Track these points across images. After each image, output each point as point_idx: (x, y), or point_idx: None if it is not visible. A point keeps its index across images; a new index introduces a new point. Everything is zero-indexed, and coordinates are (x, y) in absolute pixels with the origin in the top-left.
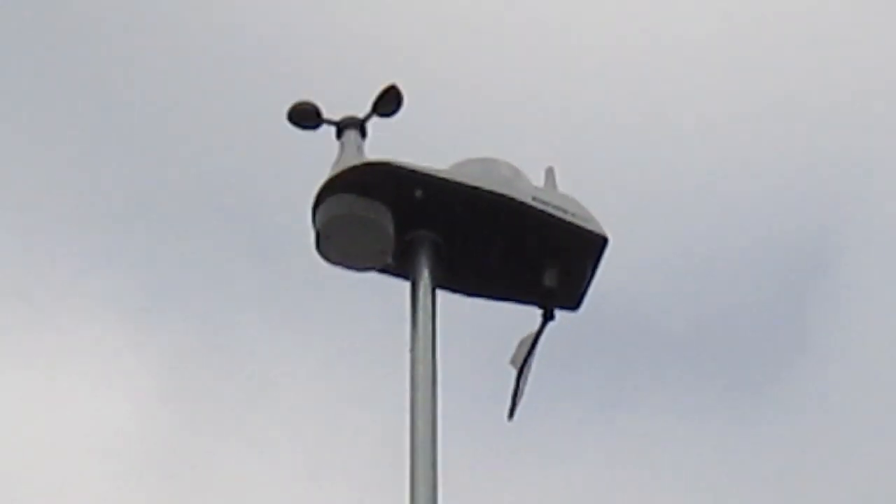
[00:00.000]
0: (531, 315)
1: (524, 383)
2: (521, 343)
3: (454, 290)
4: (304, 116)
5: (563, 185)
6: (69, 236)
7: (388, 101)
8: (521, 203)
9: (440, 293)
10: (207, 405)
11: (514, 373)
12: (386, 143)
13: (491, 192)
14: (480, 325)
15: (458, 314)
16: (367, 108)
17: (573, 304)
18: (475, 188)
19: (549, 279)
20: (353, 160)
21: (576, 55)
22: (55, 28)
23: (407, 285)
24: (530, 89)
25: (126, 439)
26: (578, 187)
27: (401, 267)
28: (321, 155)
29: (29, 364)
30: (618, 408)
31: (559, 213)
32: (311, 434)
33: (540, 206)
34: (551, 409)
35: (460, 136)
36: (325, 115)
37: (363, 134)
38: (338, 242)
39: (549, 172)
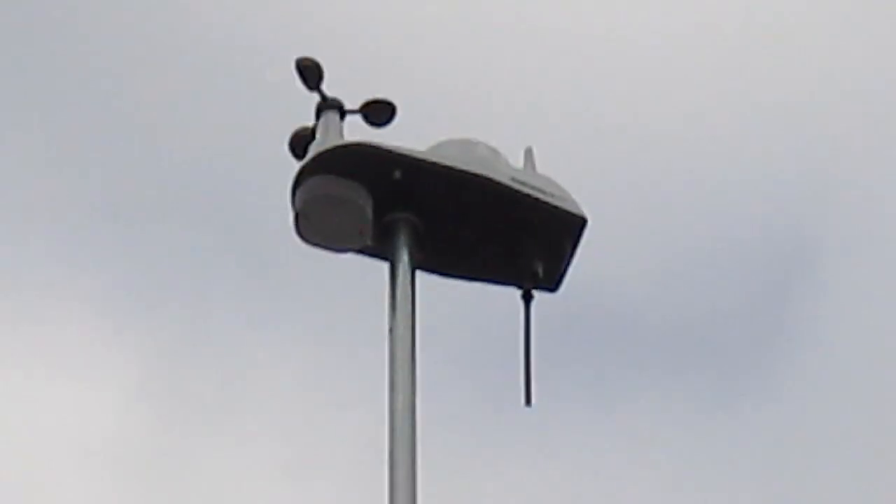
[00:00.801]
0: (510, 296)
1: (531, 368)
2: None
3: (433, 271)
4: (311, 74)
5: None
6: (45, 233)
7: (380, 112)
8: (500, 184)
9: (419, 274)
10: (187, 401)
11: (497, 352)
12: (363, 125)
13: (470, 173)
14: (460, 307)
15: (438, 295)
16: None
17: (552, 285)
18: (454, 169)
19: (528, 260)
20: (331, 141)
21: (561, 42)
22: (40, 25)
23: (386, 266)
24: (510, 71)
25: (105, 436)
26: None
27: (380, 248)
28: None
29: (5, 361)
30: (599, 398)
31: (538, 194)
32: (291, 429)
33: (519, 187)
34: (538, 398)
35: (439, 119)
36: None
37: (342, 117)
38: (316, 223)
39: (528, 153)
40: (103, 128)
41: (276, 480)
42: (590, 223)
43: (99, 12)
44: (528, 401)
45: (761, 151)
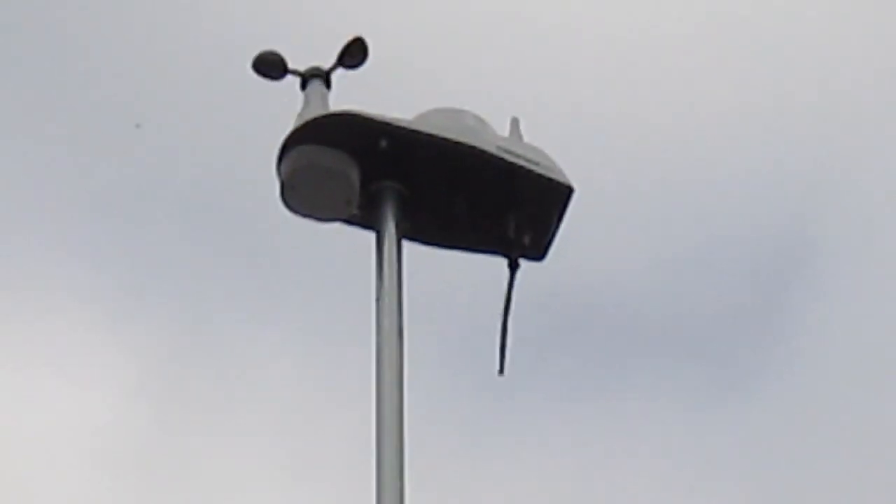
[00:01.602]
0: (498, 265)
1: (507, 336)
2: None
3: (420, 241)
4: (270, 66)
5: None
6: (41, 230)
7: (354, 54)
8: (487, 153)
9: (406, 244)
10: (185, 399)
11: (485, 322)
12: (351, 94)
13: (456, 143)
14: (447, 276)
15: (425, 265)
16: (332, 60)
17: (539, 254)
18: (440, 138)
19: (515, 229)
20: (317, 111)
21: (559, 36)
22: (39, 26)
23: (372, 236)
24: (502, 53)
25: (104, 436)
26: None
27: (366, 218)
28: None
29: (2, 359)
30: (592, 394)
31: (524, 163)
32: (290, 427)
33: (505, 156)
34: (528, 391)
35: (425, 87)
36: (291, 66)
37: (328, 85)
38: (303, 193)
39: (514, 122)
40: (101, 126)
41: (275, 479)
42: (586, 222)
43: (98, 13)
44: (501, 370)
45: (759, 150)
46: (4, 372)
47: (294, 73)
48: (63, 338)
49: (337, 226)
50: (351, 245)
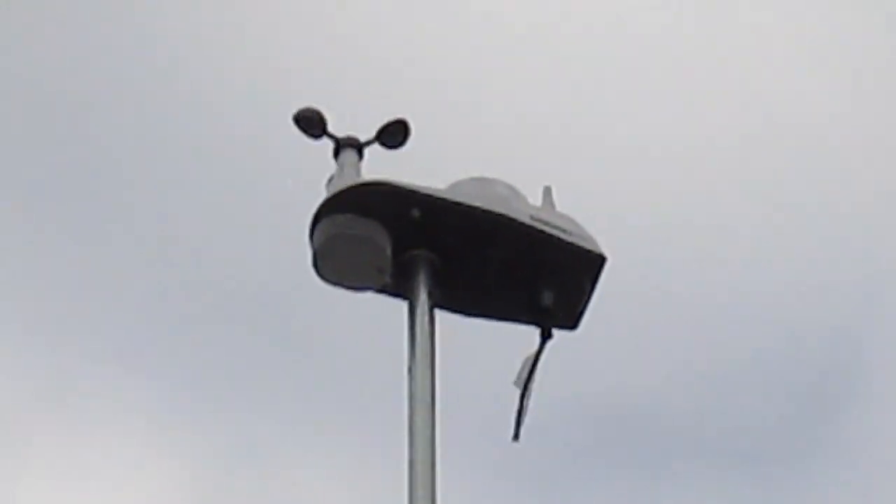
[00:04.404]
0: (530, 335)
1: (527, 404)
2: (525, 362)
3: (452, 310)
4: (311, 124)
5: None
6: (93, 343)
7: (394, 134)
8: (519, 222)
9: (438, 313)
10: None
11: (516, 393)
12: (383, 161)
13: (488, 212)
14: (480, 345)
15: (458, 334)
16: (370, 133)
17: (571, 323)
18: (472, 207)
19: (547, 299)
20: (350, 180)
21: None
22: (80, 130)
23: (405, 306)
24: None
25: None
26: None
27: (398, 287)
28: None
29: (55, 472)
30: None
31: (557, 233)
32: None
33: (537, 225)
34: (569, 491)
35: (458, 157)
36: (331, 129)
37: (360, 155)
38: (335, 262)
39: (547, 192)
40: (150, 239)
41: None
42: (632, 337)
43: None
44: (516, 436)
45: (807, 261)
46: (56, 484)
47: (331, 136)
48: (111, 447)
49: (369, 295)
50: (383, 314)
